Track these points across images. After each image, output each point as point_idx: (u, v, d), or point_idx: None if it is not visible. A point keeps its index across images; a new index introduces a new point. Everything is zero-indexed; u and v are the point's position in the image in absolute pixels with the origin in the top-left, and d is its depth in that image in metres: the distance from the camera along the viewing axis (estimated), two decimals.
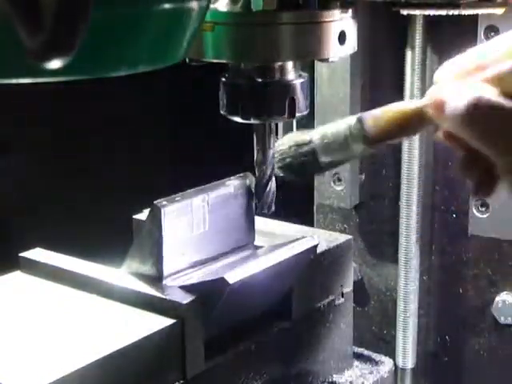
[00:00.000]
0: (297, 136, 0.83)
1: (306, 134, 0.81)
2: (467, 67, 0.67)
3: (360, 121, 0.74)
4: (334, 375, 1.00)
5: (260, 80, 0.91)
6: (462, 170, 0.70)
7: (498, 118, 0.63)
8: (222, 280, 0.78)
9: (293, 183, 0.85)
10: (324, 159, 0.79)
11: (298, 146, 0.81)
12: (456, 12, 0.98)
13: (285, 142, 0.84)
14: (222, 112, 0.94)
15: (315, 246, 0.88)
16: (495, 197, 0.72)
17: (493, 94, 0.63)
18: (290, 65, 0.92)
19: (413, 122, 0.72)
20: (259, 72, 0.91)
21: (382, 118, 0.73)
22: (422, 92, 1.09)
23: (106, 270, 0.86)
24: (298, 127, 1.22)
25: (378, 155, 1.17)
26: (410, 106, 0.72)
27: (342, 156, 0.79)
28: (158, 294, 0.80)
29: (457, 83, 0.65)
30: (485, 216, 1.09)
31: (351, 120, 0.76)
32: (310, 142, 0.80)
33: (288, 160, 0.83)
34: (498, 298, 1.11)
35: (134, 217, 0.87)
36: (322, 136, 0.79)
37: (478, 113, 0.63)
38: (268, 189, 0.96)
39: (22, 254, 0.91)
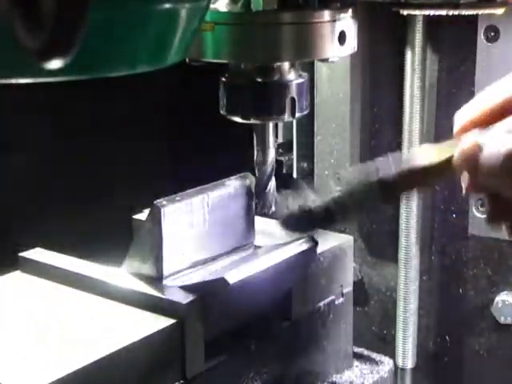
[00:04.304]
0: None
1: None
2: (488, 110, 0.62)
3: (381, 184, 0.69)
4: (334, 375, 1.00)
5: (260, 80, 0.91)
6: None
7: None
8: (222, 280, 0.78)
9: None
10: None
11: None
12: (456, 12, 0.98)
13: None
14: (221, 112, 0.94)
15: (315, 246, 0.88)
16: None
17: None
18: (289, 65, 0.92)
19: (436, 177, 0.68)
20: (259, 72, 0.91)
21: (405, 179, 0.68)
22: (422, 92, 1.09)
23: (106, 270, 0.86)
24: (298, 127, 1.22)
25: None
26: (434, 159, 0.65)
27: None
28: (158, 294, 0.80)
29: (489, 132, 0.60)
30: (485, 216, 1.09)
31: (370, 183, 0.70)
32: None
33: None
34: (497, 298, 1.11)
35: (134, 217, 0.87)
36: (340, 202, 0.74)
37: None
38: (268, 189, 0.96)
39: (21, 254, 0.91)
